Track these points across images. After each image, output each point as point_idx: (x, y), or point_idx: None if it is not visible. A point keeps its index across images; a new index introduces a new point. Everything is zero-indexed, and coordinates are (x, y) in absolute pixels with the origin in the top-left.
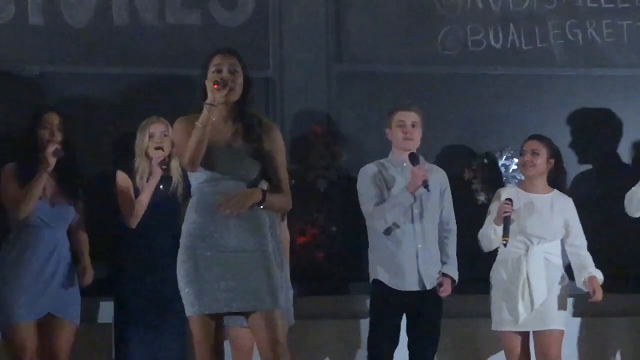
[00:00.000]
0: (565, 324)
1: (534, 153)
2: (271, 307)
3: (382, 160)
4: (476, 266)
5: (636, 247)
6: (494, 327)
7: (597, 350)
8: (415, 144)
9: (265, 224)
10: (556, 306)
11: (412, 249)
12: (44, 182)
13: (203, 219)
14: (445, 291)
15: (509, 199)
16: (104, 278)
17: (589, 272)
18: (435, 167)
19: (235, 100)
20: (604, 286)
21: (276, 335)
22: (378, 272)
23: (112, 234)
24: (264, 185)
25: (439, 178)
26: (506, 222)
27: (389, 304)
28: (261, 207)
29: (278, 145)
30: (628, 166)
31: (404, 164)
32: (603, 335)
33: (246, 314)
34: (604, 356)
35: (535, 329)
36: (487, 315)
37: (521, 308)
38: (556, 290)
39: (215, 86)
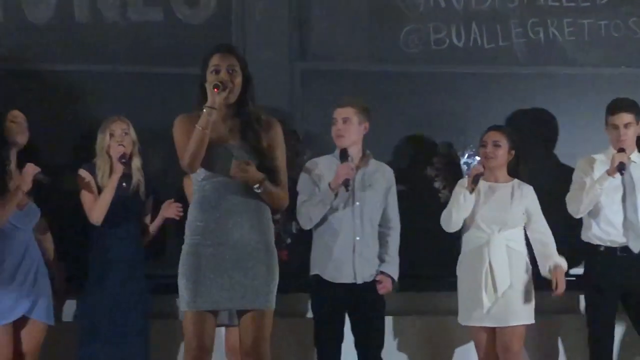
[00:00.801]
0: (531, 317)
1: (496, 144)
2: (264, 307)
3: (327, 156)
4: (442, 263)
5: (577, 246)
6: (459, 320)
7: (541, 348)
8: (346, 141)
9: (269, 219)
10: (521, 299)
11: (349, 241)
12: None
13: (205, 216)
14: (384, 288)
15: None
16: (67, 277)
17: (554, 261)
18: (383, 165)
19: (233, 101)
20: (547, 284)
21: (262, 334)
22: (316, 265)
23: (74, 232)
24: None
25: (385, 176)
26: (476, 178)
27: (328, 298)
28: (259, 190)
29: (278, 142)
30: None
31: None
32: (547, 333)
33: (239, 311)
34: (548, 353)
35: (499, 325)
36: (456, 312)
37: (485, 298)
38: (521, 279)
39: (216, 90)
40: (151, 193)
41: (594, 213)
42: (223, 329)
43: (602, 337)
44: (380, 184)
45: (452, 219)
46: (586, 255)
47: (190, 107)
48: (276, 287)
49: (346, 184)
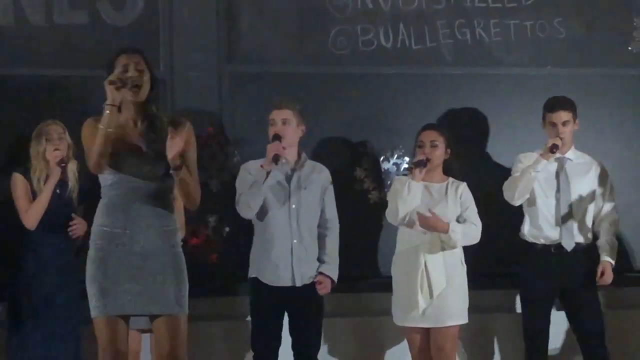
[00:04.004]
0: (465, 317)
1: (433, 145)
2: (177, 311)
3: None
4: (372, 264)
5: (511, 244)
6: (395, 321)
7: (476, 346)
8: (285, 142)
9: (175, 224)
10: (456, 299)
11: (287, 244)
12: None
13: (112, 221)
14: (324, 289)
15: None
16: None
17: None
18: (318, 165)
19: (144, 98)
20: (482, 283)
21: (178, 340)
22: (255, 268)
23: (5, 237)
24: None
25: (321, 177)
26: (421, 162)
27: (266, 301)
28: (175, 171)
29: (189, 141)
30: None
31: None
32: (482, 331)
33: (151, 317)
34: (483, 352)
35: (434, 326)
36: (387, 312)
37: (421, 299)
38: (456, 279)
39: (110, 85)
40: (83, 200)
41: (530, 210)
42: (148, 335)
43: (536, 336)
44: (316, 184)
45: (399, 213)
46: (521, 253)
47: None
48: (187, 291)
49: (275, 159)
